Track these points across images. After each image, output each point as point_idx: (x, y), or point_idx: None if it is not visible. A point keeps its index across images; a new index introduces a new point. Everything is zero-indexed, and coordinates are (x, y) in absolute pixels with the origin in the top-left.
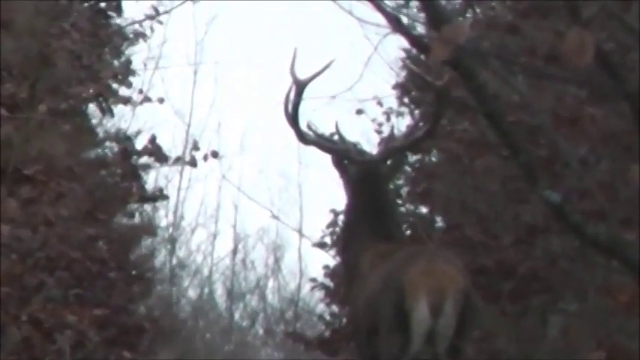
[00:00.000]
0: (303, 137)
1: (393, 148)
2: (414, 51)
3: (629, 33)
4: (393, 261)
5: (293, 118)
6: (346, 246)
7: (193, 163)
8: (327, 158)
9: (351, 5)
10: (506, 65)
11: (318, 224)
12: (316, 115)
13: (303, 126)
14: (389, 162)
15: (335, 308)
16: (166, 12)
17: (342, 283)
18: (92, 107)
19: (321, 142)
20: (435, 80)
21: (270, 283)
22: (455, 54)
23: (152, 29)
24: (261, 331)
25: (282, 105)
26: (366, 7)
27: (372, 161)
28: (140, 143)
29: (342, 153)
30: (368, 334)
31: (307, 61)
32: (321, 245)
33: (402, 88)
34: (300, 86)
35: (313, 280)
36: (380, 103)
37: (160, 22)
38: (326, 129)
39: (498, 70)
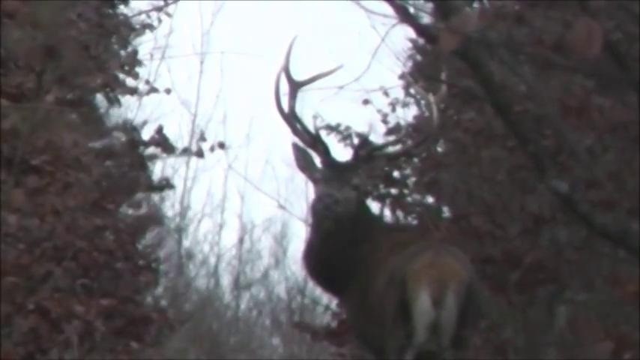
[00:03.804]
0: (300, 135)
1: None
2: (421, 41)
3: (636, 23)
4: (402, 254)
5: (290, 119)
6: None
7: (200, 154)
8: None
9: None
10: (514, 55)
11: None
12: (323, 105)
13: (298, 123)
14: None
15: None
16: (173, 2)
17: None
18: (99, 97)
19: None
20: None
21: (277, 274)
22: (463, 44)
23: (159, 20)
24: (267, 322)
25: (273, 99)
26: None
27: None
28: (147, 133)
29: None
30: (377, 325)
31: (313, 52)
32: None
33: (410, 77)
34: (296, 87)
35: None
36: (386, 94)
37: (168, 14)
38: (332, 119)
39: (506, 60)
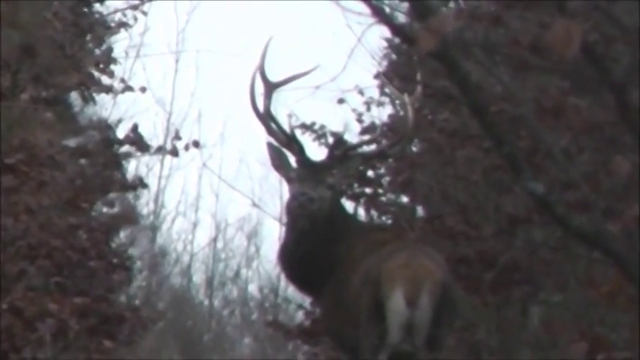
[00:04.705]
0: (275, 135)
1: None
2: (396, 40)
3: (613, 24)
4: (377, 254)
5: (265, 118)
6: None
7: (175, 152)
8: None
9: None
10: (490, 56)
11: None
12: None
13: (273, 123)
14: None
15: None
16: (149, 0)
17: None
18: (73, 95)
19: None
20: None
21: (250, 273)
22: (439, 45)
23: (135, 18)
24: (239, 320)
25: (248, 99)
26: None
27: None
28: (121, 132)
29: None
30: (351, 325)
31: (289, 52)
32: None
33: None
34: (271, 88)
35: None
36: (361, 93)
37: (144, 13)
38: (307, 118)
39: (482, 60)
